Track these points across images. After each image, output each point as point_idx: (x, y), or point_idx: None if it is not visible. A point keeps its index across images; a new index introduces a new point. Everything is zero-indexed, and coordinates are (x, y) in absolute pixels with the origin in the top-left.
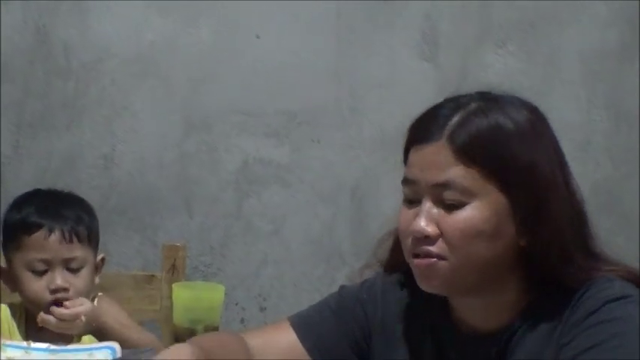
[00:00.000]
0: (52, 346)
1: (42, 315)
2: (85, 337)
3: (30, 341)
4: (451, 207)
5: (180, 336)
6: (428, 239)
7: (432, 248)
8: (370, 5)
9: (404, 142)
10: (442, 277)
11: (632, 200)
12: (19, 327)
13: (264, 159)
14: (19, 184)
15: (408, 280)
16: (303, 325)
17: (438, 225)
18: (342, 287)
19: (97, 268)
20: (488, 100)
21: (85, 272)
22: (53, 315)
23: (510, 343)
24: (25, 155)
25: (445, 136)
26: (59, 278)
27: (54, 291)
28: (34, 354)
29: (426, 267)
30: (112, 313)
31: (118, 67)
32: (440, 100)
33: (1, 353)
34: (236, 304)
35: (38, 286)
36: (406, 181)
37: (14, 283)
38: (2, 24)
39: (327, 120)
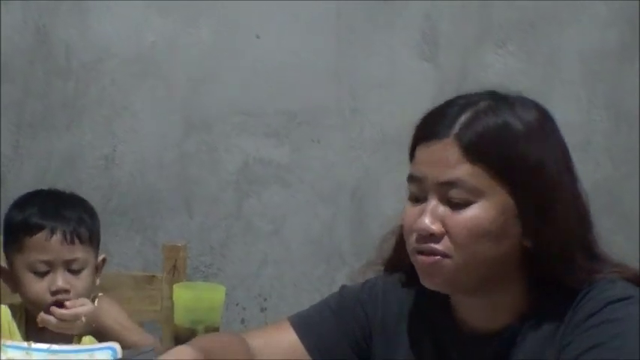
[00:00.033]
0: (53, 347)
1: (42, 315)
2: (86, 338)
3: (30, 342)
4: (457, 205)
5: (180, 336)
6: (433, 237)
7: (437, 246)
8: (370, 5)
9: (410, 139)
10: (445, 274)
11: (632, 200)
12: (19, 328)
13: (264, 159)
14: (19, 185)
15: (409, 279)
16: (303, 325)
17: (443, 223)
18: (342, 287)
19: (98, 268)
20: (498, 99)
21: (86, 273)
22: (53, 315)
23: (512, 343)
24: (25, 155)
25: (453, 134)
26: (60, 280)
27: (55, 292)
28: (35, 354)
29: (430, 264)
30: (113, 314)
31: (118, 67)
32: (440, 100)
33: (2, 354)
34: (236, 305)
35: (39, 288)
36: (412, 179)
37: (15, 284)
38: (2, 24)
39: (327, 120)
